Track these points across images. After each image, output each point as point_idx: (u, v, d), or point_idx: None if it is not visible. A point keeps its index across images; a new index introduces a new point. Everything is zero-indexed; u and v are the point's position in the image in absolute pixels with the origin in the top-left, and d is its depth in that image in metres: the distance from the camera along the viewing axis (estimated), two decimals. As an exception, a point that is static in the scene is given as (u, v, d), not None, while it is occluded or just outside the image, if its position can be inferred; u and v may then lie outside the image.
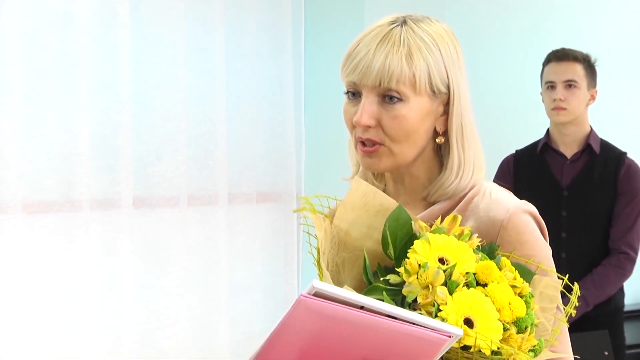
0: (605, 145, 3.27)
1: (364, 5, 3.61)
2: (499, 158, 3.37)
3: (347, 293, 1.15)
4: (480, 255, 1.33)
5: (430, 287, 1.25)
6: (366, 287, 1.32)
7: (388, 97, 1.41)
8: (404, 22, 1.43)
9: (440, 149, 1.48)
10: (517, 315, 1.28)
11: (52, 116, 3.05)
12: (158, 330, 3.27)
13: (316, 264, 1.36)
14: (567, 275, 1.39)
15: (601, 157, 3.23)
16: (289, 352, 1.19)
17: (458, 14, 3.76)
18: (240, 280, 3.50)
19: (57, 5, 3.06)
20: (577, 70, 3.21)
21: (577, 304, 1.37)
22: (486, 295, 1.26)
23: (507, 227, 1.41)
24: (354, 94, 1.45)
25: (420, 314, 1.22)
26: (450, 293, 1.25)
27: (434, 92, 1.43)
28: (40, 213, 3.03)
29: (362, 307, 1.15)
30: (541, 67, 3.30)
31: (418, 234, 1.34)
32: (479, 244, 1.36)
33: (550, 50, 3.30)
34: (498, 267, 1.31)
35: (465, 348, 1.23)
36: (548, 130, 3.32)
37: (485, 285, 1.29)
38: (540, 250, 1.42)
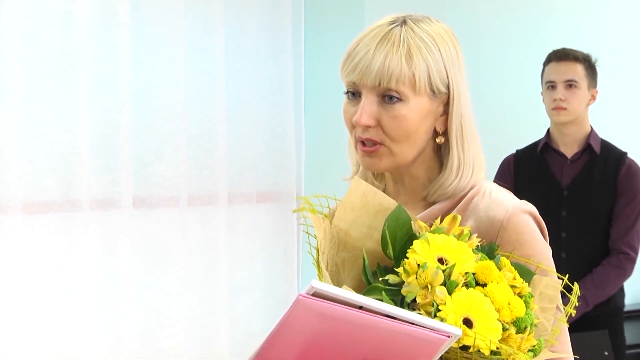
0: (606, 145, 3.27)
1: (364, 5, 3.61)
2: (499, 158, 3.37)
3: (346, 293, 1.15)
4: (479, 255, 1.33)
5: (430, 287, 1.25)
6: (365, 287, 1.32)
7: (388, 97, 1.41)
8: (403, 22, 1.43)
9: (440, 149, 1.48)
10: (516, 315, 1.27)
11: (52, 116, 3.05)
12: (158, 330, 3.27)
13: (316, 264, 1.36)
14: (567, 275, 1.39)
15: (601, 157, 3.23)
16: (288, 352, 1.19)
17: (458, 14, 3.76)
18: (240, 280, 3.50)
19: (57, 5, 3.06)
20: (577, 70, 3.21)
21: (577, 304, 1.37)
22: (485, 295, 1.26)
23: (507, 227, 1.41)
24: (354, 94, 1.45)
25: (420, 314, 1.22)
26: (450, 293, 1.25)
27: (433, 92, 1.43)
28: (40, 213, 3.03)
29: (361, 307, 1.15)
30: (541, 67, 3.30)
31: (417, 234, 1.33)
32: (479, 244, 1.36)
33: (550, 50, 3.30)
34: (497, 267, 1.31)
35: (465, 348, 1.23)
36: (548, 130, 3.32)
37: (484, 285, 1.29)
38: (540, 250, 1.42)
